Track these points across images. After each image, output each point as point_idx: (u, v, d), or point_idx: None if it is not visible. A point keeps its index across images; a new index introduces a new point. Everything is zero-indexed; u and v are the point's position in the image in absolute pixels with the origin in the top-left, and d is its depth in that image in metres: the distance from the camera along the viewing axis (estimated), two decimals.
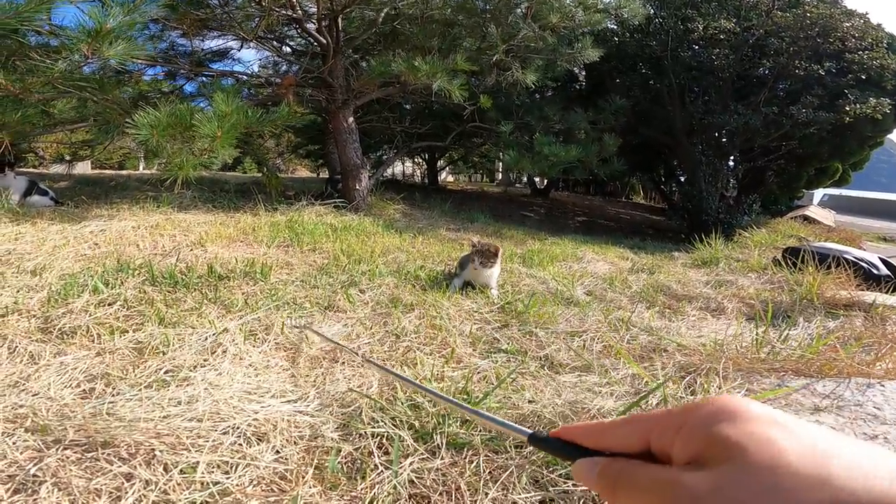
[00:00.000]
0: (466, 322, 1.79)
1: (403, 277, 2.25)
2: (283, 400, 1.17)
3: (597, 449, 0.29)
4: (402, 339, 1.58)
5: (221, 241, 2.59)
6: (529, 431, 0.35)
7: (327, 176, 6.22)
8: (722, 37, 6.38)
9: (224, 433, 1.00)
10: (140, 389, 1.15)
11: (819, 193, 14.81)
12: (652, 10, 6.71)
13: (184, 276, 1.94)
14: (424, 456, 1.01)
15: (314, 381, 1.30)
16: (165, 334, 1.44)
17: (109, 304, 1.67)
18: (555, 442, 0.32)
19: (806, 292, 2.44)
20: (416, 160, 10.30)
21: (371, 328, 1.66)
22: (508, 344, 1.61)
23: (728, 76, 6.41)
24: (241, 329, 1.53)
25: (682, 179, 7.60)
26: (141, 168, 11.70)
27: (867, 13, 6.90)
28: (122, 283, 1.87)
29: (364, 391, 1.24)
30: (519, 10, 4.96)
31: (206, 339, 1.46)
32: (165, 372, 1.26)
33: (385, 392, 1.25)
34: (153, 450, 0.93)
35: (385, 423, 1.08)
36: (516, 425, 0.38)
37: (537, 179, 10.85)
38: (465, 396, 1.24)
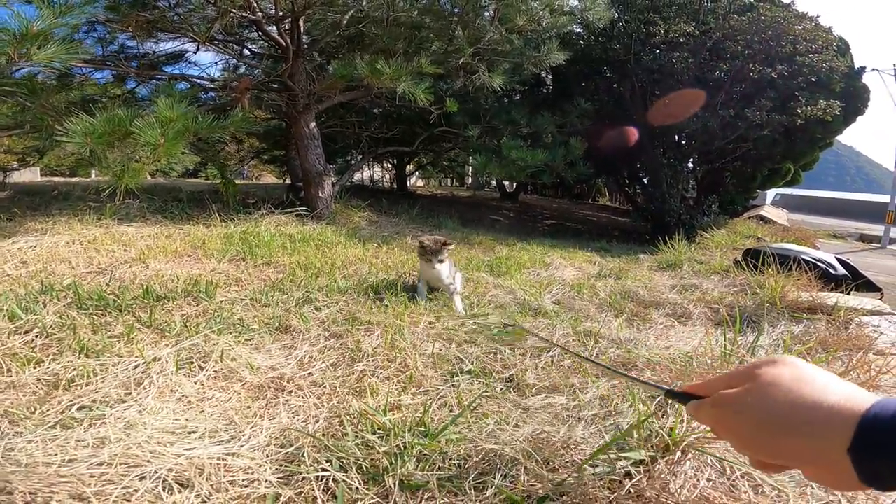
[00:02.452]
0: (429, 340, 1.69)
1: (364, 292, 2.13)
2: (214, 440, 1.04)
3: (706, 396, 0.43)
4: (358, 362, 1.46)
5: (166, 256, 2.40)
6: (666, 388, 0.51)
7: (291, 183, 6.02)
8: (682, 40, 6.52)
9: (139, 478, 0.87)
10: (45, 429, 1.01)
11: (771, 193, 15.49)
12: (616, 14, 6.80)
13: (116, 298, 1.77)
14: (374, 500, 0.91)
15: (253, 415, 1.18)
16: (84, 365, 1.29)
17: (25, 332, 1.50)
18: (680, 394, 0.48)
19: (768, 296, 2.46)
20: (384, 165, 10.12)
21: (325, 351, 1.54)
22: (472, 364, 1.52)
23: (688, 79, 6.56)
24: (174, 357, 1.39)
25: (646, 181, 7.74)
26: (93, 175, 11.09)
27: (818, 16, 7.12)
28: (43, 306, 1.69)
29: (308, 427, 1.12)
30: (487, 13, 4.92)
31: (134, 369, 1.32)
32: (78, 409, 1.12)
33: (332, 427, 1.14)
34: (51, 499, 0.81)
35: (331, 465, 0.97)
36: (658, 384, 0.56)
37: (506, 183, 10.88)
38: (423, 428, 1.14)
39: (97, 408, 1.12)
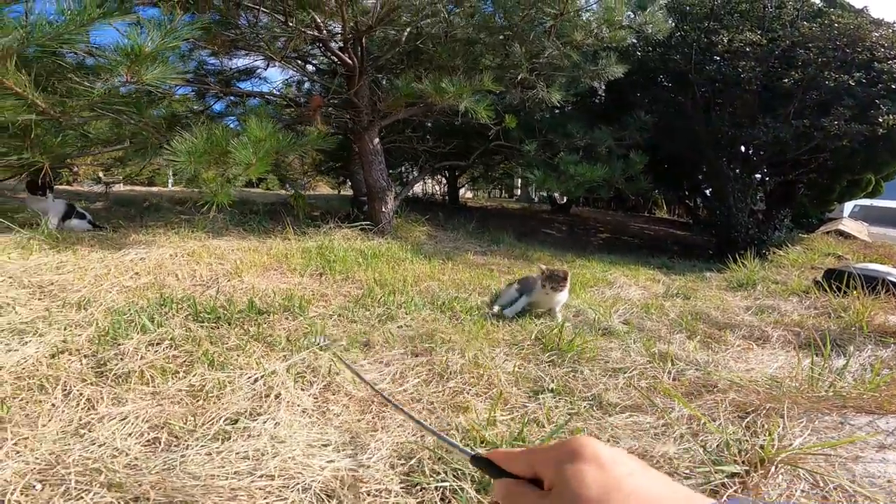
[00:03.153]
0: (507, 359, 1.76)
1: (439, 309, 2.23)
2: (345, 453, 1.15)
3: (515, 473, 0.37)
4: (448, 380, 1.55)
5: (256, 269, 2.62)
6: (471, 452, 0.44)
7: (350, 194, 6.28)
8: (747, 49, 6.29)
9: (297, 491, 0.97)
10: (205, 442, 1.13)
11: (850, 205, 14.37)
12: (674, 24, 6.66)
13: (225, 311, 1.96)
14: None
15: (370, 429, 1.28)
16: (216, 377, 1.43)
17: (157, 344, 1.68)
18: (488, 464, 0.40)
19: (854, 319, 2.35)
20: (435, 178, 10.34)
21: (414, 367, 1.64)
22: (554, 382, 1.57)
23: (755, 88, 6.30)
24: (289, 371, 1.52)
25: (708, 194, 7.45)
26: (170, 185, 11.99)
27: (895, 22, 6.74)
28: (167, 319, 1.90)
29: (421, 440, 1.22)
30: (542, 28, 4.97)
31: (256, 381, 1.45)
32: (224, 421, 1.24)
33: (440, 442, 1.23)
34: None
35: (447, 476, 1.07)
36: (461, 446, 0.49)
37: (557, 195, 10.79)
38: (522, 442, 1.22)
39: (241, 420, 1.23)
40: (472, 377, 1.58)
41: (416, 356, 1.73)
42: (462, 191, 12.84)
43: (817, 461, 1.11)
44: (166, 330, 1.73)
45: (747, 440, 1.22)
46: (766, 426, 1.29)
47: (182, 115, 5.28)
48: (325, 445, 1.15)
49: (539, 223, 8.09)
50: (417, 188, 10.46)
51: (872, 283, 2.75)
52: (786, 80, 6.23)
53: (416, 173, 6.65)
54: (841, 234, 7.38)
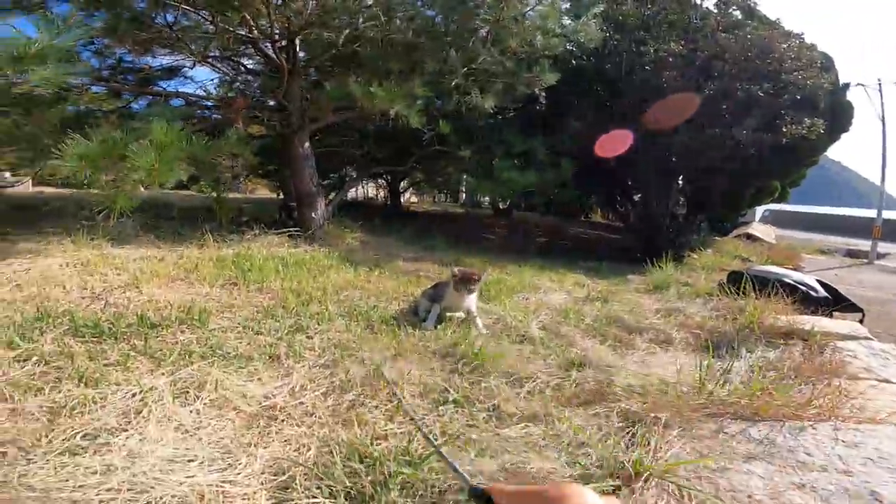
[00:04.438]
0: (416, 369, 1.74)
1: (355, 318, 2.17)
2: (213, 468, 1.10)
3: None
4: (348, 392, 1.51)
5: (159, 280, 2.44)
6: (471, 485, 0.49)
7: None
8: (671, 59, 6.65)
9: None
10: (53, 457, 1.07)
11: (761, 210, 15.72)
12: (608, 34, 6.92)
13: (111, 325, 1.80)
14: None
15: (248, 444, 1.22)
16: (84, 394, 1.34)
17: (25, 360, 1.53)
18: (482, 497, 0.45)
19: (747, 321, 2.53)
20: (378, 182, 10.20)
21: (316, 380, 1.58)
22: (458, 393, 1.56)
23: (677, 98, 6.68)
24: (171, 386, 1.43)
25: (637, 199, 7.85)
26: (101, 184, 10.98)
27: (803, 33, 7.27)
28: (41, 333, 1.73)
29: (299, 457, 1.17)
30: (480, 34, 5.03)
31: (132, 397, 1.37)
32: (83, 436, 1.17)
33: (322, 456, 1.18)
34: None
35: (321, 492, 1.03)
36: (466, 478, 0.58)
37: (497, 197, 10.97)
38: (408, 457, 1.19)
39: (101, 436, 1.17)
40: (375, 390, 1.54)
41: (320, 368, 1.67)
42: (407, 195, 12.77)
43: (688, 473, 1.16)
44: (35, 346, 1.58)
45: (625, 453, 1.25)
46: (645, 437, 1.33)
47: (92, 114, 4.90)
48: (191, 461, 1.10)
49: (480, 228, 8.19)
50: (357, 192, 10.28)
51: (766, 284, 2.98)
52: (705, 91, 6.68)
53: (354, 176, 6.51)
54: (750, 237, 8.01)
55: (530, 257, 5.58)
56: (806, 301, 3.07)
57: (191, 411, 1.34)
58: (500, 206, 10.98)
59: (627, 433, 1.35)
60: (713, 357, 2.10)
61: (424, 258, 4.21)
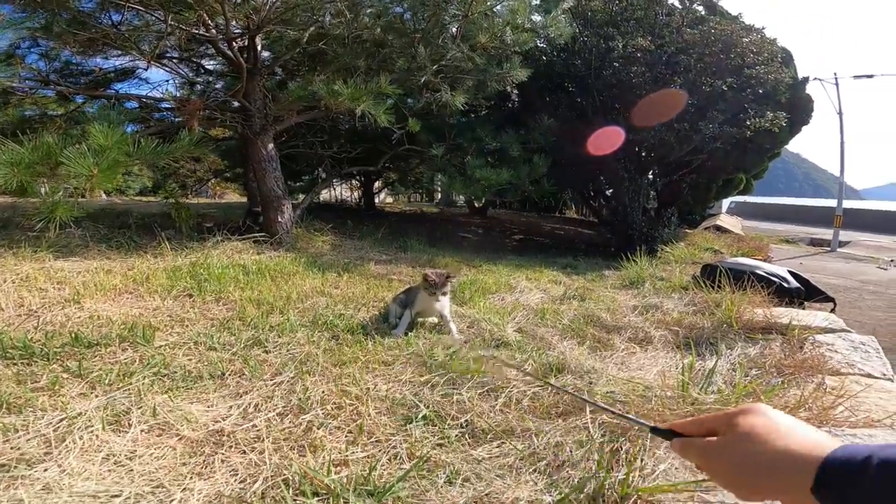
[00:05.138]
0: (383, 383, 1.62)
1: (319, 328, 2.03)
2: None
3: (687, 434, 0.49)
4: (306, 413, 1.37)
5: (104, 294, 2.24)
6: (651, 425, 0.54)
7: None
8: (639, 55, 6.70)
9: None
10: None
11: (727, 202, 16.15)
12: (577, 29, 6.93)
13: (43, 346, 1.63)
14: None
15: (186, 476, 1.08)
16: (4, 422, 1.20)
17: None
18: (666, 432, 0.51)
19: (725, 315, 2.50)
20: (351, 182, 9.98)
21: (271, 399, 1.44)
22: (428, 408, 1.45)
23: (645, 93, 6.74)
24: (102, 412, 1.28)
25: (609, 194, 7.89)
26: (43, 195, 10.43)
27: (763, 28, 7.42)
28: None
29: (246, 490, 1.04)
30: (450, 30, 4.92)
31: (58, 423, 1.23)
32: None
33: (272, 490, 1.05)
34: None
35: None
36: (642, 421, 0.59)
37: (470, 196, 10.90)
38: (369, 487, 1.07)
39: (17, 468, 1.04)
40: (336, 408, 1.41)
41: (277, 386, 1.53)
42: (382, 196, 12.56)
43: (676, 494, 1.07)
44: None
45: (610, 473, 1.16)
46: (631, 452, 1.25)
47: (38, 119, 4.60)
48: (115, 496, 0.97)
49: (455, 227, 8.09)
50: (330, 194, 10.04)
51: (740, 276, 2.97)
52: (671, 86, 6.75)
53: (323, 178, 6.30)
54: (719, 228, 8.16)
55: (506, 255, 5.51)
56: (779, 292, 3.08)
57: (125, 439, 1.20)
58: (476, 205, 10.92)
59: (610, 448, 1.26)
60: (693, 356, 2.06)
61: (397, 260, 4.08)
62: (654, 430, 0.53)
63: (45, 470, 1.05)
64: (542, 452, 1.23)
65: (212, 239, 3.67)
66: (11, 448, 1.11)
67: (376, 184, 9.69)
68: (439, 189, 13.81)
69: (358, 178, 8.79)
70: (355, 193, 10.63)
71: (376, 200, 10.08)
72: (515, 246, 7.26)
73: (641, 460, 1.20)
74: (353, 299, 2.57)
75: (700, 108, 6.60)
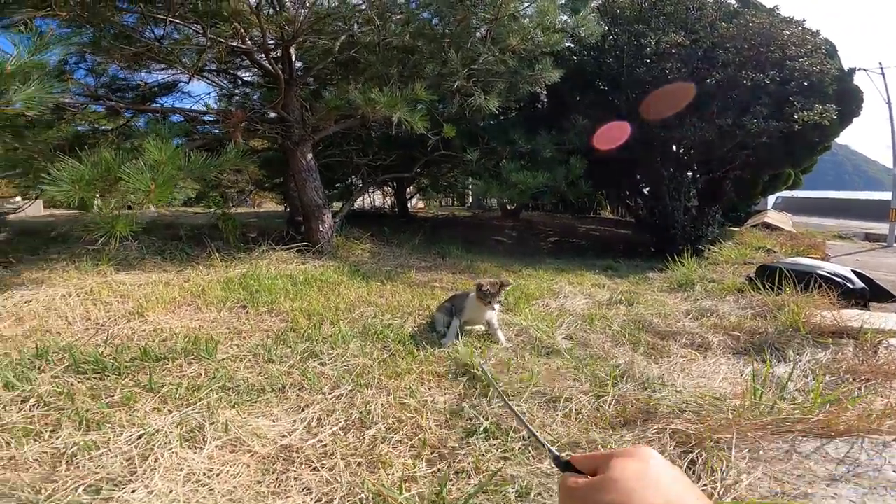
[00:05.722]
0: (439, 393, 1.61)
1: (370, 340, 2.05)
2: None
3: (578, 469, 0.46)
4: (369, 427, 1.38)
5: (165, 306, 2.33)
6: (555, 453, 0.51)
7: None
8: (673, 51, 6.52)
9: None
10: None
11: (773, 197, 15.43)
12: (606, 28, 6.81)
13: (113, 360, 1.70)
14: None
15: (264, 496, 1.10)
16: (85, 439, 1.24)
17: (22, 401, 1.44)
18: (562, 463, 0.48)
19: (790, 319, 2.37)
20: (384, 189, 10.09)
21: (332, 413, 1.45)
22: (487, 421, 1.43)
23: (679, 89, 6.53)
24: (178, 429, 1.32)
25: (646, 193, 7.68)
26: (96, 208, 10.99)
27: (804, 20, 7.12)
28: (40, 372, 1.62)
29: None
30: (478, 34, 4.91)
31: (137, 439, 1.26)
32: (85, 489, 1.07)
33: None
34: None
35: None
36: (548, 445, 0.54)
37: (506, 200, 10.80)
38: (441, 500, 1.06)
39: (104, 488, 1.07)
40: (397, 421, 1.41)
41: (337, 399, 1.54)
42: (413, 200, 12.64)
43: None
44: (34, 386, 1.47)
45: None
46: (709, 463, 1.19)
47: (91, 135, 4.82)
48: None
49: (489, 231, 8.04)
50: (364, 201, 10.16)
51: (803, 278, 2.82)
52: (709, 81, 6.52)
53: (360, 186, 6.39)
54: (767, 226, 7.80)
55: (543, 259, 5.43)
56: (844, 293, 2.90)
57: (203, 456, 1.22)
58: (508, 207, 10.82)
59: (685, 459, 1.21)
60: (758, 362, 1.96)
61: (437, 267, 4.08)
62: (555, 460, 0.50)
63: (133, 491, 1.06)
64: None
65: (257, 249, 3.77)
66: (97, 467, 1.14)
67: (408, 189, 9.76)
68: (470, 193, 13.78)
69: (391, 184, 8.88)
70: (387, 199, 10.74)
71: (409, 206, 10.15)
72: (551, 248, 7.15)
73: (722, 471, 1.15)
74: (399, 308, 2.58)
75: (742, 102, 6.35)
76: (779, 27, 6.53)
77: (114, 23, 3.52)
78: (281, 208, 11.45)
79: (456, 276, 3.62)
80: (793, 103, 6.11)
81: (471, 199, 14.21)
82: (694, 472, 1.17)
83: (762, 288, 2.86)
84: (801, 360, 1.95)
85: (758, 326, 2.35)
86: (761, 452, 1.24)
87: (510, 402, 0.93)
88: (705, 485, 1.08)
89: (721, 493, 1.09)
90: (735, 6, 7.62)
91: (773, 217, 8.63)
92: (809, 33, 6.89)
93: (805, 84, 6.30)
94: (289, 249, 3.85)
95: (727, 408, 1.44)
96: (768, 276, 2.99)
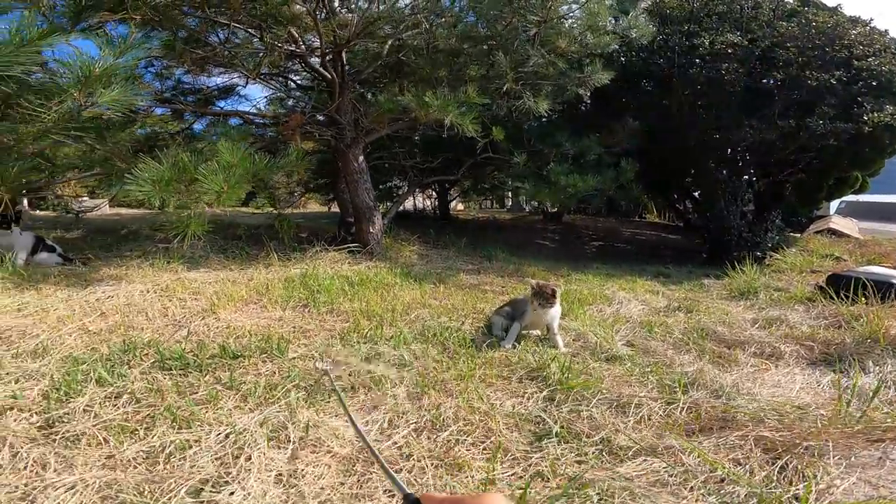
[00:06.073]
0: (505, 398, 1.61)
1: (430, 342, 2.08)
2: None
3: None
4: (441, 430, 1.40)
5: (234, 304, 2.45)
6: (407, 492, 0.49)
7: (339, 212, 6.12)
8: (729, 51, 6.27)
9: None
10: None
11: (836, 202, 14.47)
12: (655, 28, 6.64)
13: (195, 356, 1.79)
14: None
15: (353, 498, 1.12)
16: (180, 439, 1.29)
17: (116, 397, 1.52)
18: (414, 502, 0.47)
19: (868, 330, 2.23)
20: (426, 191, 10.20)
21: (403, 415, 1.48)
22: (557, 424, 1.42)
23: (738, 90, 6.27)
24: (262, 426, 1.37)
25: (698, 197, 7.40)
26: (157, 207, 11.61)
27: (871, 19, 6.78)
28: (129, 367, 1.73)
29: None
30: (526, 36, 4.88)
31: (225, 440, 1.31)
32: (187, 490, 1.10)
33: None
34: None
35: None
36: (402, 484, 0.54)
37: (548, 203, 10.65)
38: None
39: (204, 490, 1.10)
40: (467, 424, 1.42)
41: (405, 400, 1.57)
42: (453, 203, 12.69)
43: None
44: (126, 382, 1.57)
45: (780, 490, 1.08)
46: (799, 469, 1.15)
47: (158, 136, 5.11)
48: None
49: (531, 234, 7.97)
50: (408, 203, 10.29)
51: (881, 288, 2.64)
52: (767, 81, 6.22)
53: (406, 188, 6.48)
54: (833, 232, 7.34)
55: (589, 263, 5.33)
56: None
57: (287, 457, 1.26)
58: (550, 210, 10.68)
59: (774, 466, 1.17)
60: (836, 372, 1.86)
61: (485, 270, 4.09)
62: (405, 497, 0.49)
63: (231, 493, 1.10)
64: (695, 469, 1.16)
65: (311, 249, 3.90)
66: (192, 468, 1.18)
67: (450, 192, 9.82)
68: (510, 195, 13.68)
69: (434, 187, 8.96)
70: (430, 202, 10.83)
71: (450, 209, 10.21)
72: (595, 253, 7.01)
73: (816, 476, 1.10)
74: (454, 310, 2.60)
75: (805, 103, 6.03)
76: (844, 26, 6.21)
77: (184, 27, 3.70)
78: (325, 209, 11.77)
79: (504, 280, 3.61)
80: (861, 104, 5.76)
81: (510, 202, 14.12)
82: (785, 478, 1.13)
83: (837, 297, 2.70)
84: (881, 373, 1.84)
85: (833, 337, 2.22)
86: (853, 459, 1.19)
87: (363, 432, 0.94)
88: (798, 490, 1.04)
89: (815, 497, 1.05)
90: (794, 5, 7.28)
91: (838, 223, 8.11)
92: (877, 33, 6.52)
93: (874, 84, 5.92)
94: (340, 250, 3.96)
95: (814, 416, 1.38)
96: (843, 286, 2.82)
